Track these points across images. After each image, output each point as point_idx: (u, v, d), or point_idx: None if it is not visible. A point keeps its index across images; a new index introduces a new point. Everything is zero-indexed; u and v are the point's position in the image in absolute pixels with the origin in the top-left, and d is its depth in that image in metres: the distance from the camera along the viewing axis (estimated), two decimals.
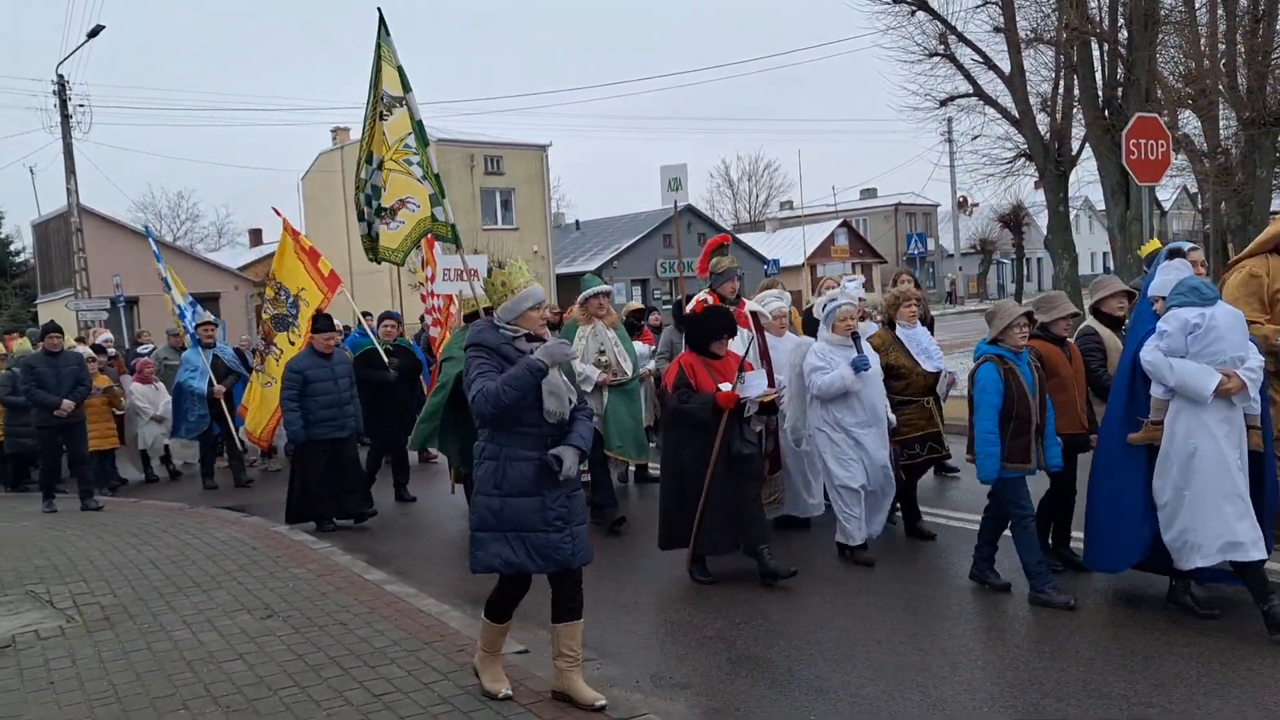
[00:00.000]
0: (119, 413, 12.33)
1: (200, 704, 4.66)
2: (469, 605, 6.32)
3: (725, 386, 6.31)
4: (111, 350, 13.76)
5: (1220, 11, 17.55)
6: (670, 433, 6.81)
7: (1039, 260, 63.72)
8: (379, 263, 7.81)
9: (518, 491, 4.31)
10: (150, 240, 14.45)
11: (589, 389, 7.71)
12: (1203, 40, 17.81)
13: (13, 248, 46.47)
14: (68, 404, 10.19)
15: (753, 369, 6.69)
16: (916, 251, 51.81)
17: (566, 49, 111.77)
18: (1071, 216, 21.30)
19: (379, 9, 7.24)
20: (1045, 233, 20.99)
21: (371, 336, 10.50)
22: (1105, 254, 58.46)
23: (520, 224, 42.84)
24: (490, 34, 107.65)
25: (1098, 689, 4.54)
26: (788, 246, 53.77)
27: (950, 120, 26.57)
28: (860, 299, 7.14)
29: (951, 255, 55.44)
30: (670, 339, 8.94)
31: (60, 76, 27.13)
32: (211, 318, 12.69)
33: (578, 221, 55.07)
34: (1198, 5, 17.85)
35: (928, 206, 65.43)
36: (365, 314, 12.86)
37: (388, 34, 7.28)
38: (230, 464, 12.09)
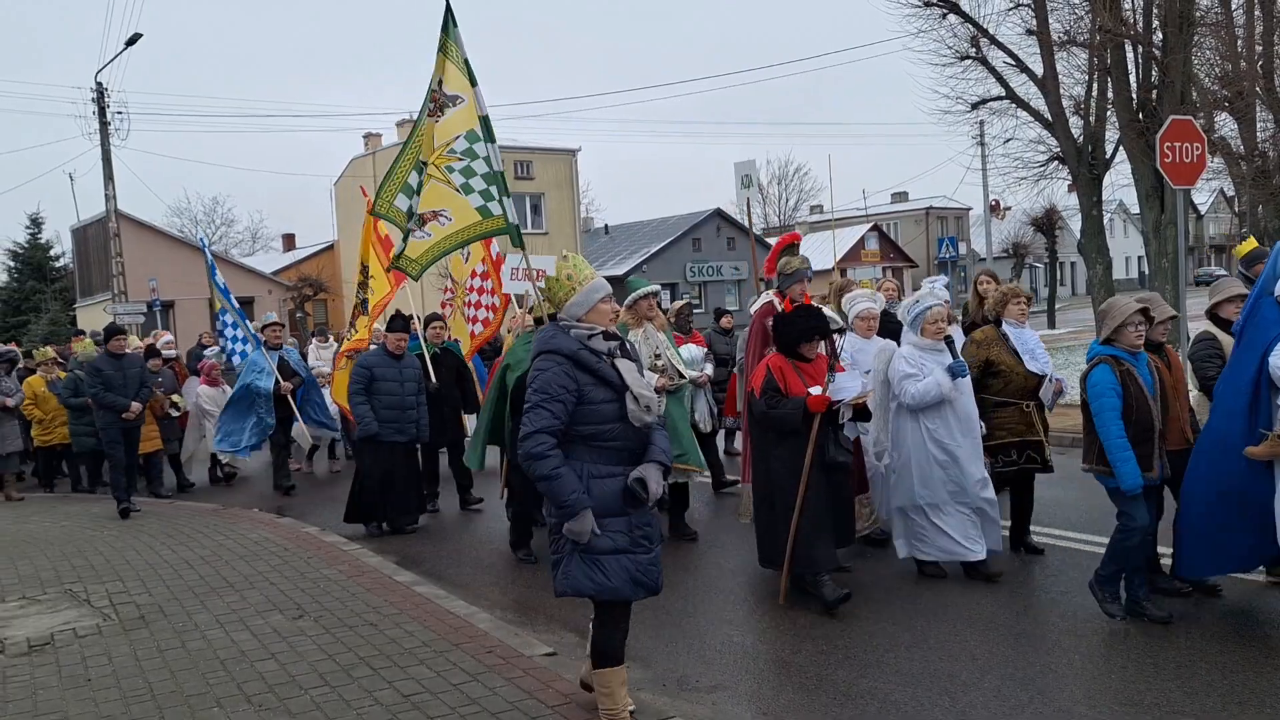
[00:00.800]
0: (176, 414, 12.15)
1: (233, 702, 4.73)
2: (497, 608, 6.39)
3: (816, 390, 5.88)
4: (172, 352, 13.60)
5: (1258, 12, 17.30)
6: (758, 440, 6.34)
7: (1073, 264, 63.05)
8: (392, 269, 7.74)
9: (604, 511, 3.99)
10: (205, 253, 14.18)
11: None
12: (1239, 42, 17.56)
13: (52, 252, 47.24)
14: (136, 406, 10.22)
15: (844, 369, 6.21)
16: (948, 255, 51.35)
17: (597, 54, 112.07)
18: (1105, 220, 21.08)
19: (447, 1, 6.97)
20: (1079, 237, 20.78)
21: (420, 341, 10.07)
22: (1140, 258, 57.82)
23: (549, 228, 42.98)
24: (519, 38, 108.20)
25: (1130, 697, 4.49)
26: (818, 250, 53.52)
27: (982, 123, 26.34)
28: (945, 301, 6.65)
29: (984, 259, 54.94)
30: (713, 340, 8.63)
31: (99, 84, 27.55)
32: (276, 318, 12.52)
33: (606, 226, 55.15)
34: (1234, 6, 17.61)
35: (959, 210, 64.93)
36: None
37: (455, 25, 7.00)
38: (275, 466, 11.94)
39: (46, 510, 11.34)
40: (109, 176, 27.68)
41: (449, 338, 10.66)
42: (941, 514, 6.39)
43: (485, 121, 7.00)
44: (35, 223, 46.70)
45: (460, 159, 7.08)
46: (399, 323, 9.03)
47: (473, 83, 6.97)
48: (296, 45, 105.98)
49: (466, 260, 11.01)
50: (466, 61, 7.00)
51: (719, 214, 49.74)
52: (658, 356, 7.60)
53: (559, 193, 43.63)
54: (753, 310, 7.67)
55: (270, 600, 6.48)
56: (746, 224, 8.48)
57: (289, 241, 56.40)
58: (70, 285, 44.43)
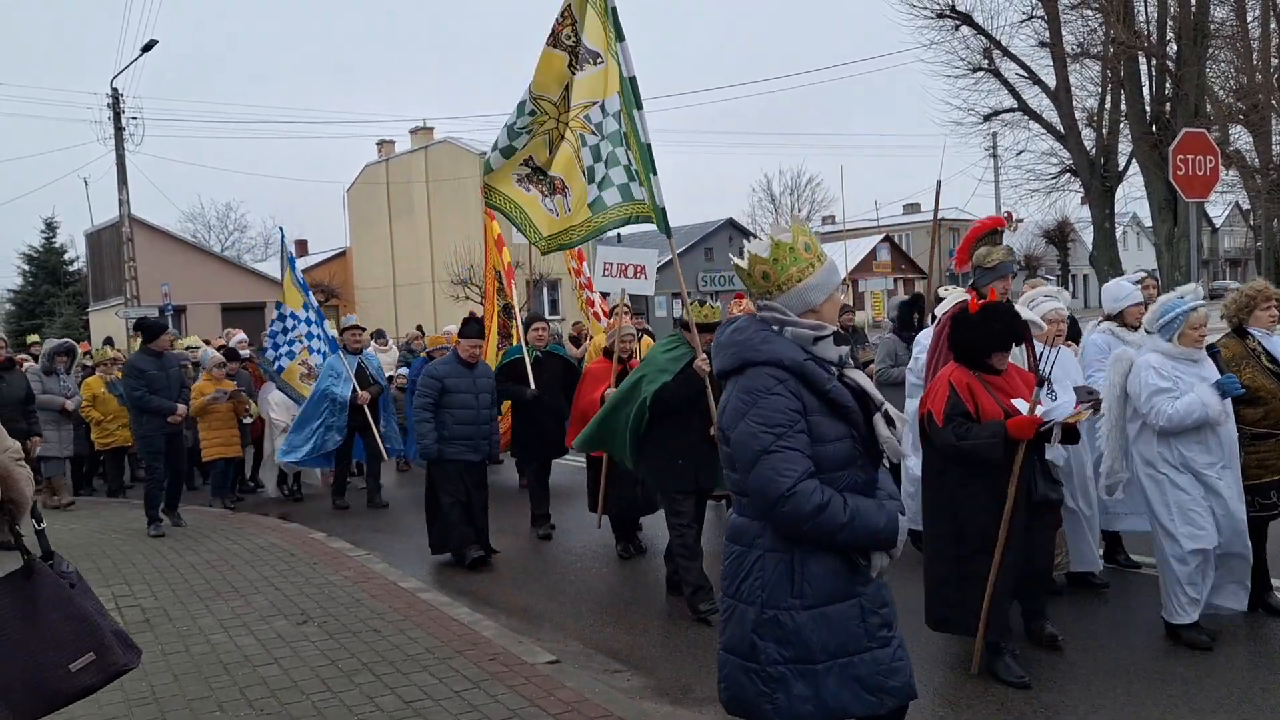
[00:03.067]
0: (248, 420, 11.11)
1: (235, 706, 4.72)
2: (503, 614, 6.37)
3: (1020, 407, 4.70)
4: (246, 352, 12.39)
5: (1274, 25, 17.24)
6: (936, 475, 4.97)
7: (1084, 277, 62.78)
8: (489, 202, 6.96)
9: (826, 597, 2.88)
10: (284, 244, 12.95)
11: None
12: (1255, 54, 17.49)
13: (67, 256, 47.64)
14: (182, 409, 9.35)
15: (1043, 383, 4.79)
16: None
17: None
18: (1118, 233, 21.01)
19: None
20: (1091, 249, 20.72)
21: (522, 345, 9.09)
22: (1152, 270, 57.45)
23: None
24: (528, 47, 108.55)
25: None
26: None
27: (994, 135, 26.35)
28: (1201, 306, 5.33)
29: None
30: (894, 349, 7.57)
31: (114, 90, 27.79)
32: (357, 320, 11.65)
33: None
34: (1250, 19, 17.55)
35: (971, 222, 64.77)
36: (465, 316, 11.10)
37: None
38: (367, 483, 10.82)
39: (88, 515, 11.32)
40: (123, 181, 27.89)
41: (552, 339, 9.61)
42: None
43: (631, 85, 6.10)
44: (50, 227, 47.18)
45: (594, 133, 6.22)
46: (472, 327, 8.15)
47: (619, 36, 6.08)
48: (311, 53, 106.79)
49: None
50: (614, 10, 6.13)
51: (731, 224, 49.74)
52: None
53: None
54: (938, 313, 6.19)
55: (275, 605, 6.47)
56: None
57: (301, 248, 56.62)
58: (84, 289, 44.77)
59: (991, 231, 6.10)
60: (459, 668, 5.11)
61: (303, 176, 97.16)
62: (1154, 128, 17.84)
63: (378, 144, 47.28)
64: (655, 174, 6.16)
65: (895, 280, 50.90)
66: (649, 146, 6.19)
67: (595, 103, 6.22)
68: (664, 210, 6.24)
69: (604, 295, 10.56)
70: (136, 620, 6.28)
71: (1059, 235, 50.34)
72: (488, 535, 7.98)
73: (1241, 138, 20.08)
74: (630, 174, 6.20)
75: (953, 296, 5.94)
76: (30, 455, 8.70)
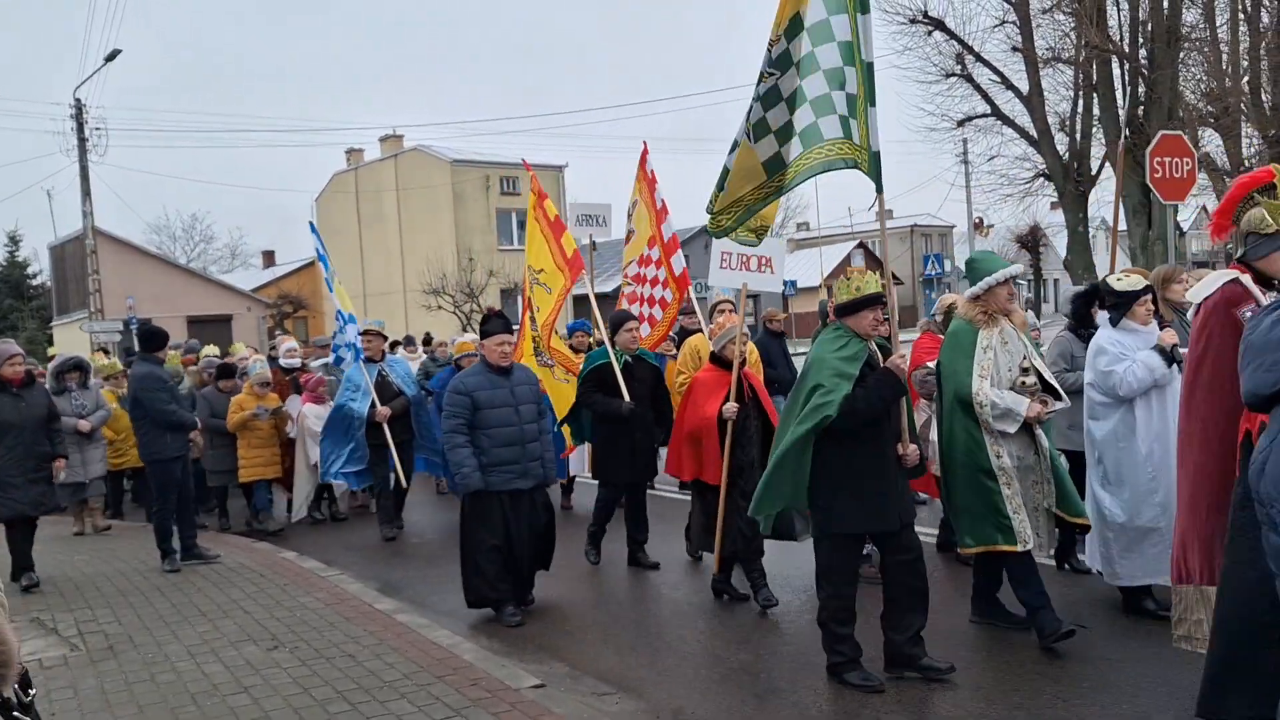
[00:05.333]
0: (292, 435, 10.20)
1: None
2: (483, 636, 6.15)
3: None
4: (295, 361, 11.13)
5: (1243, 29, 17.36)
6: (1246, 519, 3.51)
7: (1055, 281, 63.29)
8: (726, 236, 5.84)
9: None
10: (315, 236, 11.77)
11: (1011, 429, 5.10)
12: (1225, 58, 17.60)
13: (30, 270, 46.85)
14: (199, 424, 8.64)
15: None
16: (933, 272, 51.53)
17: (584, 70, 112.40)
18: (1090, 237, 21.10)
19: None
20: (1064, 253, 20.81)
21: (609, 349, 7.65)
22: (1091, 281, 58.02)
23: None
24: (506, 55, 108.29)
25: None
26: (804, 267, 53.63)
27: (966, 141, 26.43)
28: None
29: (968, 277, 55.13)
30: (1068, 350, 6.47)
31: (77, 100, 27.33)
32: (376, 325, 10.23)
33: (594, 241, 55.05)
34: (1219, 22, 17.67)
35: (944, 227, 65.14)
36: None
37: None
38: (379, 507, 9.72)
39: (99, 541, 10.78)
40: (86, 193, 27.41)
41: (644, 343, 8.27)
42: None
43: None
44: (13, 240, 46.45)
45: (774, 70, 4.93)
46: (498, 323, 6.60)
47: None
48: (278, 62, 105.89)
49: (628, 241, 9.25)
50: None
51: (706, 231, 49.70)
52: (1026, 370, 5.29)
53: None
54: (1197, 299, 4.35)
55: (244, 630, 6.20)
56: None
57: (269, 258, 56.09)
58: (47, 303, 43.98)
59: (1266, 185, 4.42)
60: (439, 694, 4.88)
61: (271, 186, 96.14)
62: (1127, 131, 17.91)
63: (347, 152, 46.86)
64: (874, 104, 4.71)
65: None
66: (870, 66, 4.71)
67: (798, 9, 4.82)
68: (877, 154, 4.77)
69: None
70: (100, 647, 6.01)
71: (1031, 240, 50.72)
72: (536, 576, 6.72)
73: (1212, 141, 20.23)
74: (850, 104, 4.80)
75: (1213, 278, 4.35)
76: (56, 478, 8.11)
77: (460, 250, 39.06)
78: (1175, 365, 5.39)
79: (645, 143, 9.44)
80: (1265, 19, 17.49)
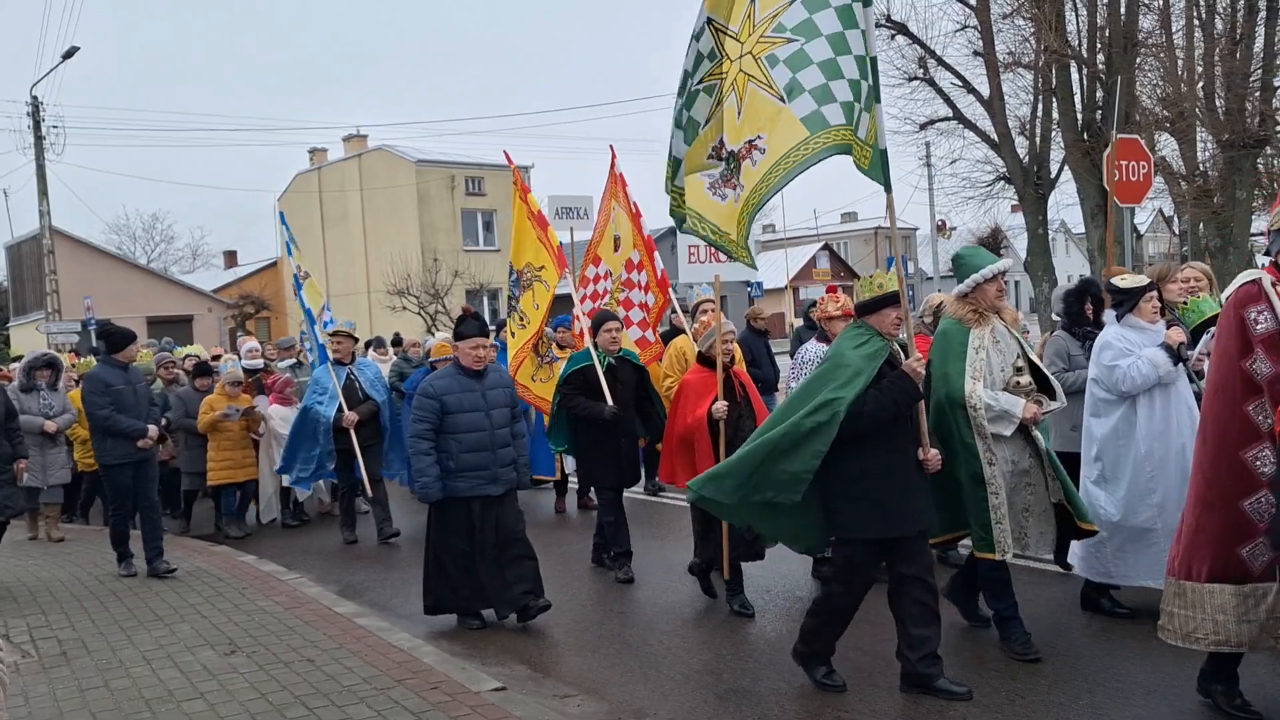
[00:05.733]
0: (257, 437, 10.00)
1: None
2: (444, 640, 6.10)
3: None
4: (257, 363, 10.99)
5: (1198, 34, 17.65)
6: None
7: (1016, 283, 63.97)
8: (682, 227, 5.48)
9: None
10: (284, 227, 11.33)
11: (1007, 432, 4.97)
12: (1180, 63, 17.88)
13: None
14: (153, 431, 7.89)
15: None
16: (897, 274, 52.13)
17: (548, 70, 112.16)
18: (1050, 239, 21.37)
19: None
20: (1024, 255, 21.05)
21: (591, 351, 7.49)
22: (1083, 277, 58.87)
23: (502, 245, 42.51)
24: (471, 56, 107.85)
25: None
26: (770, 269, 53.85)
27: (929, 144, 26.68)
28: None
29: (931, 278, 55.67)
30: (1065, 348, 6.20)
31: (34, 98, 26.90)
32: (347, 326, 9.98)
33: (560, 243, 54.91)
34: (1175, 29, 17.95)
35: (907, 230, 65.70)
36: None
37: None
38: (342, 514, 9.53)
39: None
40: (43, 192, 26.98)
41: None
42: None
43: None
44: None
45: (792, 38, 4.68)
46: (473, 325, 6.35)
47: None
48: (240, 61, 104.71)
49: (618, 249, 9.01)
50: None
51: (674, 232, 49.73)
52: (1020, 369, 5.14)
53: (511, 208, 43.26)
54: (1223, 297, 4.57)
55: (201, 634, 6.12)
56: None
57: (231, 259, 55.44)
58: (4, 304, 43.18)
59: None
60: (399, 698, 4.84)
61: (233, 186, 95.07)
62: (1085, 136, 18.14)
63: (310, 152, 46.37)
64: (878, 101, 4.61)
65: (837, 287, 51.47)
66: (874, 61, 4.61)
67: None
68: (884, 153, 4.59)
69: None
70: (53, 654, 5.90)
71: (992, 242, 51.21)
72: (536, 581, 6.29)
73: (1167, 145, 20.56)
74: (856, 90, 4.59)
75: (1238, 277, 4.27)
76: (20, 481, 7.78)
77: (425, 251, 38.82)
78: (1181, 363, 5.36)
79: (612, 146, 9.32)
80: (1219, 25, 17.78)
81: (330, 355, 9.30)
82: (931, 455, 4.72)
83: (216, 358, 12.42)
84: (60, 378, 9.89)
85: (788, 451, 4.53)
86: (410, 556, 8.73)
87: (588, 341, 7.70)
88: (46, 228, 27.38)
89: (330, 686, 5.06)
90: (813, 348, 6.72)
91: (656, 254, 9.11)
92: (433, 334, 19.75)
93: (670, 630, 6.06)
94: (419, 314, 34.56)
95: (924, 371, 4.66)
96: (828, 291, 6.77)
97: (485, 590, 6.26)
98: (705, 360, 6.40)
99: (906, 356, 4.71)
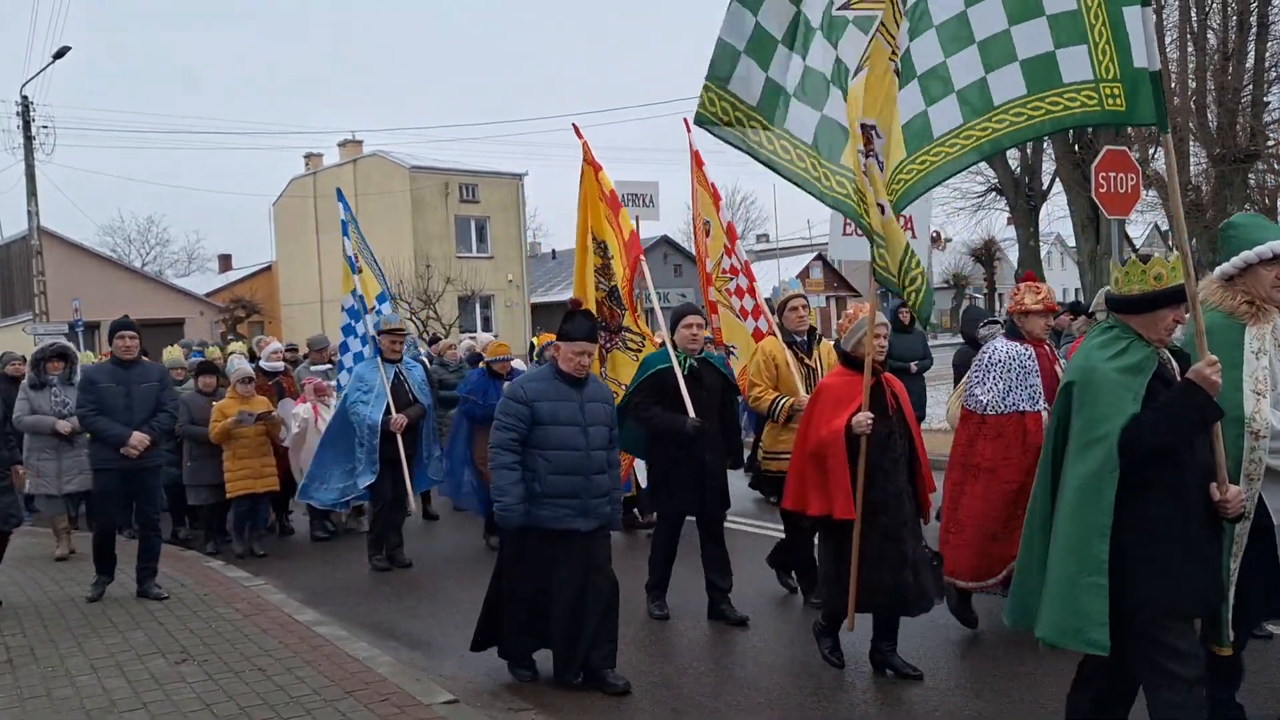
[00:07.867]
0: (285, 443, 9.20)
1: None
2: (405, 649, 5.98)
3: None
4: (278, 365, 10.29)
5: (1190, 49, 17.63)
6: None
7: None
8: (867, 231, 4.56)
9: None
10: (341, 205, 10.09)
11: None
12: (1173, 78, 17.85)
13: None
14: (140, 438, 6.89)
15: None
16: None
17: (547, 79, 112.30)
18: (1043, 252, 21.35)
19: None
20: (1016, 267, 21.01)
21: (670, 351, 6.30)
22: (1076, 289, 58.99)
23: (495, 252, 42.54)
24: (465, 62, 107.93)
25: None
26: (764, 279, 53.49)
27: None
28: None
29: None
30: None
31: (24, 98, 26.80)
32: (398, 322, 8.94)
33: (554, 251, 54.87)
34: (1168, 43, 17.92)
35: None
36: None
37: None
38: (378, 534, 8.37)
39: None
40: (32, 193, 26.84)
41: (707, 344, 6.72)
42: None
43: None
44: None
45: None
46: (583, 325, 5.20)
47: None
48: (237, 65, 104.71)
49: (709, 234, 7.88)
50: None
51: (666, 241, 49.70)
52: None
53: (505, 216, 43.24)
54: None
55: (154, 642, 5.97)
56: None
57: (225, 262, 55.40)
58: None
59: None
60: (346, 710, 4.70)
61: (228, 190, 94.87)
62: (1076, 148, 18.11)
63: (305, 157, 46.32)
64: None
65: (828, 298, 51.37)
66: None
67: None
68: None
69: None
70: None
71: (985, 254, 51.28)
72: (610, 654, 5.19)
73: (1161, 159, 20.53)
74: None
75: None
76: (20, 488, 7.21)
77: (418, 257, 38.74)
78: None
79: (687, 120, 6.65)
80: (1211, 41, 17.77)
81: (386, 353, 8.39)
82: (1232, 494, 3.39)
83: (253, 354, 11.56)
84: (76, 370, 8.63)
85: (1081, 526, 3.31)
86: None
87: (664, 338, 6.49)
88: (35, 229, 27.23)
89: (278, 697, 4.92)
90: (1002, 346, 5.63)
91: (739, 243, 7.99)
92: (424, 339, 19.55)
93: (628, 643, 5.89)
94: (411, 320, 34.46)
95: (1219, 380, 3.29)
96: (1026, 279, 5.81)
97: (552, 644, 5.26)
98: (849, 360, 5.19)
99: (1175, 365, 3.47)
